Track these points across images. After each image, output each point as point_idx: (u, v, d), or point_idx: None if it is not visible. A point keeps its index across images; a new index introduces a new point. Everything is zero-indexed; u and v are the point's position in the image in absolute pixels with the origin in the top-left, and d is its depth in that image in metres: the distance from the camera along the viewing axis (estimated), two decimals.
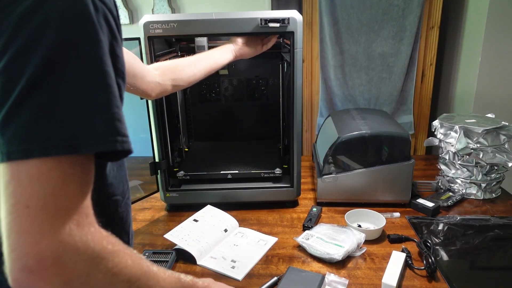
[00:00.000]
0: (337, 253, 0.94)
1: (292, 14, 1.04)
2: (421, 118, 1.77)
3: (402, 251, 0.96)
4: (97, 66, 0.41)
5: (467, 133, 1.22)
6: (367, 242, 1.03)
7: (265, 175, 1.25)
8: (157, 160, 1.19)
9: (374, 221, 1.09)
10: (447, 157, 1.30)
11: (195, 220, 1.10)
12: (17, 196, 0.37)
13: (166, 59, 1.21)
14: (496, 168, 1.24)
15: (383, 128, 1.20)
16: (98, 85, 0.41)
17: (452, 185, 1.31)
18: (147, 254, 0.98)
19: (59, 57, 0.38)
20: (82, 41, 0.40)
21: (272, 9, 1.68)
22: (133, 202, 1.24)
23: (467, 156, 1.23)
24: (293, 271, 0.90)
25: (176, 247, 1.01)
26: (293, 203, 1.26)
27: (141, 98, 1.12)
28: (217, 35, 1.29)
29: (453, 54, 1.67)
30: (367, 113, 1.40)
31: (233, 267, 0.95)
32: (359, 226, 1.09)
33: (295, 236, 1.03)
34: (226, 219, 1.13)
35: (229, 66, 1.40)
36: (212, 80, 1.51)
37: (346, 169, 1.19)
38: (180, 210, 1.24)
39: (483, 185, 1.25)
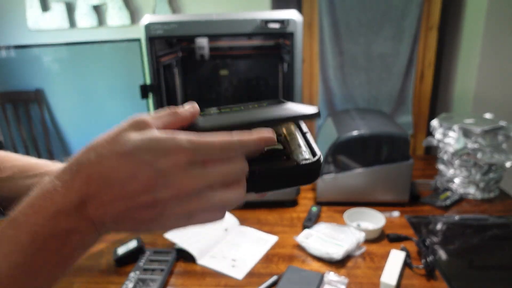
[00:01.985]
0: (337, 252, 0.94)
1: (292, 15, 1.05)
2: (420, 118, 1.77)
3: (401, 250, 0.97)
4: None
5: (466, 133, 1.23)
6: (366, 241, 1.03)
7: None
8: None
9: (373, 220, 1.10)
10: (445, 157, 1.31)
11: None
12: None
13: (166, 60, 1.22)
14: (494, 168, 1.25)
15: (382, 128, 1.21)
16: None
17: (451, 184, 1.31)
18: (148, 253, 0.99)
19: None
20: None
21: (272, 10, 1.68)
22: None
23: (466, 156, 1.24)
24: (292, 270, 0.90)
25: (176, 246, 1.02)
26: (293, 203, 1.27)
27: (142, 98, 1.13)
28: (217, 35, 1.30)
29: (452, 54, 1.68)
30: (366, 113, 1.41)
31: (233, 266, 0.96)
32: (359, 225, 1.10)
33: (295, 235, 1.04)
34: (226, 218, 1.14)
35: (229, 66, 1.40)
36: (212, 80, 1.51)
37: (346, 168, 1.20)
38: None
39: (481, 184, 1.26)
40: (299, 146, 0.38)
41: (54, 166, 0.51)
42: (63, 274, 0.29)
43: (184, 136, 0.28)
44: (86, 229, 0.28)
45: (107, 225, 0.29)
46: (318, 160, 0.37)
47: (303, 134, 0.40)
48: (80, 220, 0.27)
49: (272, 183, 0.36)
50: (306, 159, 0.37)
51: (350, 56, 1.67)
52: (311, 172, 0.37)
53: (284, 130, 0.41)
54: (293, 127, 0.42)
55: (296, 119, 0.39)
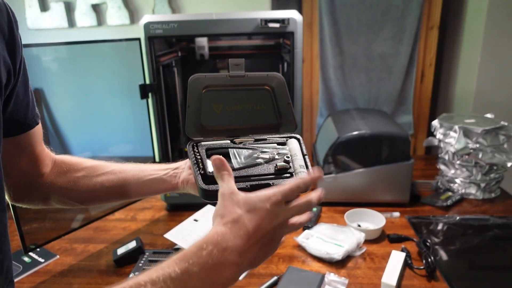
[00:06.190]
0: (337, 253, 0.94)
1: (292, 14, 1.05)
2: (421, 118, 1.77)
3: (402, 250, 0.97)
4: None
5: (467, 133, 1.22)
6: (366, 241, 1.03)
7: None
8: (157, 160, 1.19)
9: (373, 220, 1.10)
10: (446, 157, 1.30)
11: (195, 220, 1.10)
12: None
13: (166, 59, 1.21)
14: (495, 168, 1.24)
15: (382, 128, 1.21)
16: None
17: (452, 185, 1.31)
18: (147, 253, 0.99)
19: None
20: None
21: (272, 9, 1.68)
22: (133, 202, 1.25)
23: (467, 156, 1.24)
24: (293, 271, 0.90)
25: (176, 247, 1.01)
26: None
27: (142, 98, 1.13)
28: (217, 35, 1.29)
29: (453, 54, 1.67)
30: (366, 113, 1.41)
31: None
32: (359, 225, 1.10)
33: (295, 235, 1.04)
34: None
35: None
36: None
37: (346, 169, 1.19)
38: (180, 210, 1.24)
39: (482, 185, 1.26)
40: (300, 166, 0.53)
41: (113, 166, 0.65)
42: None
43: (272, 189, 0.45)
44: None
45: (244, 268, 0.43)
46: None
47: (304, 156, 0.55)
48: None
49: None
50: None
51: (350, 56, 1.66)
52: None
53: (290, 151, 0.56)
54: (297, 148, 0.56)
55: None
